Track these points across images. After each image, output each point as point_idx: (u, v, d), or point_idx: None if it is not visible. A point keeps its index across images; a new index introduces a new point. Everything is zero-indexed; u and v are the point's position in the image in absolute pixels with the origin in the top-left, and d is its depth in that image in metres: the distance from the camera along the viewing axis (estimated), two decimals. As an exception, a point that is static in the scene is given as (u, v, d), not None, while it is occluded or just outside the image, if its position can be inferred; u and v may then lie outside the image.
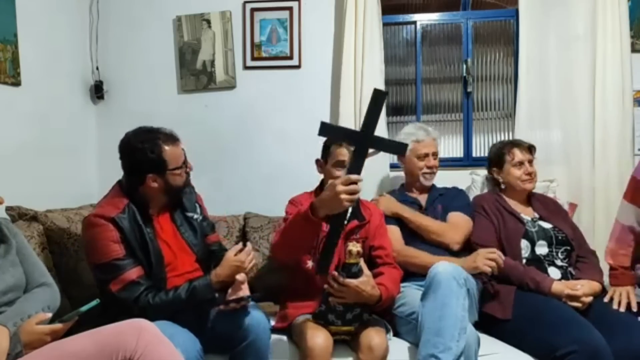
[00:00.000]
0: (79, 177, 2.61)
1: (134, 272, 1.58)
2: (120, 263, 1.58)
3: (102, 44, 2.72)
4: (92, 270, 1.67)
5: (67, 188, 2.45)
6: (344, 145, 1.95)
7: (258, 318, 1.63)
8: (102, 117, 2.78)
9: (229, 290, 1.66)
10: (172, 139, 1.69)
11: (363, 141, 1.43)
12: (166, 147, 1.66)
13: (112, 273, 1.57)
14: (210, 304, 1.67)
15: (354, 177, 1.42)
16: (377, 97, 1.39)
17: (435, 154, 2.25)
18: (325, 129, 1.46)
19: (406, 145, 1.55)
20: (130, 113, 2.75)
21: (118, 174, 2.61)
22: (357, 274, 1.66)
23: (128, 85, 2.77)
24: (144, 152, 1.64)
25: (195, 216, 1.84)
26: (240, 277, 1.66)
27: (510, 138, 2.66)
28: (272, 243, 1.81)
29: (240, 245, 1.71)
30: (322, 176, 2.06)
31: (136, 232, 1.63)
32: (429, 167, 2.22)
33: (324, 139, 2.08)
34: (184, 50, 2.73)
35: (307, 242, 1.71)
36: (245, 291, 1.68)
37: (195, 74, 2.73)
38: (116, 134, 2.73)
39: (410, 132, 2.27)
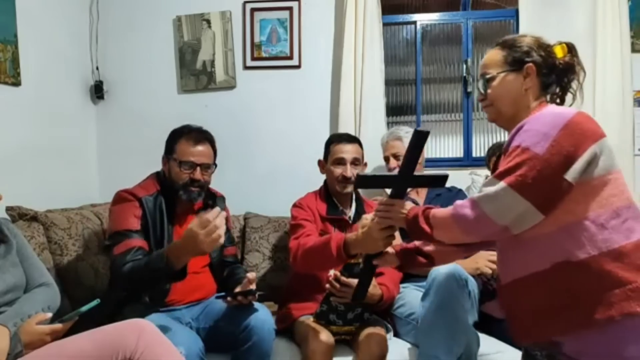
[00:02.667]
0: (79, 177, 2.61)
1: (139, 242, 1.62)
2: (131, 233, 1.63)
3: (102, 44, 2.72)
4: (107, 240, 1.75)
5: (67, 188, 2.45)
6: (343, 142, 1.96)
7: (263, 319, 1.63)
8: (102, 117, 2.78)
9: (237, 288, 1.66)
10: (194, 138, 1.76)
11: (403, 183, 1.36)
12: (182, 140, 1.75)
13: (120, 239, 1.62)
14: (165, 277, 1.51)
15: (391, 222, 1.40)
16: (419, 138, 1.26)
17: (396, 156, 2.26)
18: (363, 181, 1.45)
19: (446, 176, 1.39)
20: (130, 113, 2.76)
21: (118, 173, 2.61)
22: (359, 273, 1.66)
23: (128, 85, 2.77)
24: (170, 134, 1.81)
25: None
26: (251, 275, 1.65)
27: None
28: (293, 257, 1.77)
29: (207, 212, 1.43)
30: (324, 176, 2.06)
31: (157, 219, 1.70)
32: (393, 168, 2.24)
33: (324, 139, 2.08)
34: (184, 50, 2.73)
35: (332, 267, 1.70)
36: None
37: (195, 74, 2.73)
38: (116, 134, 2.77)
39: (385, 135, 2.37)
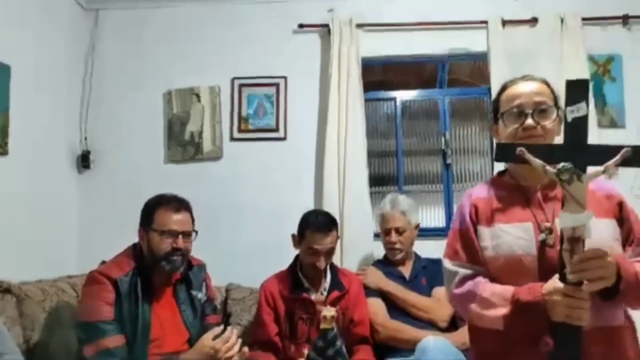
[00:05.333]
0: (58, 248, 2.55)
1: (112, 340, 1.55)
2: (104, 327, 1.56)
3: (93, 116, 2.78)
4: (76, 327, 1.66)
5: (45, 258, 2.38)
6: (320, 233, 1.91)
7: None
8: (86, 187, 2.77)
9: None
10: (174, 206, 1.73)
11: (575, 156, 1.04)
12: (160, 209, 1.71)
13: (92, 335, 1.55)
14: None
15: None
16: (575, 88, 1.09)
17: (399, 230, 2.16)
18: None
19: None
20: (114, 182, 2.77)
21: (98, 244, 2.56)
22: (334, 339, 1.62)
23: (115, 155, 2.80)
24: (145, 205, 1.77)
25: (200, 295, 1.82)
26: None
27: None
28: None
29: (220, 328, 1.62)
30: (297, 251, 2.06)
31: (132, 299, 1.63)
32: (390, 243, 2.18)
33: (308, 209, 2.10)
34: (172, 122, 2.80)
35: None
36: None
37: (183, 145, 2.79)
38: (99, 204, 2.76)
39: (382, 204, 2.29)
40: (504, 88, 1.34)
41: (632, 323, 1.20)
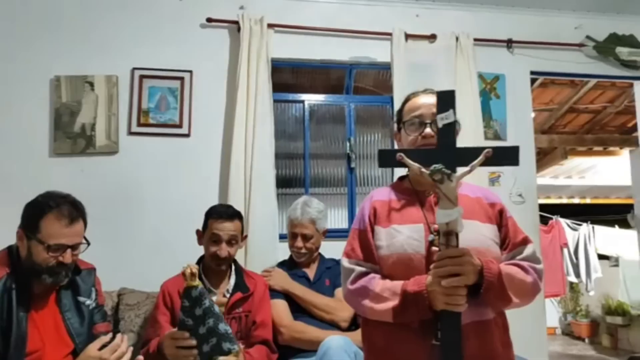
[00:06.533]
0: None
1: None
2: None
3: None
4: None
5: None
6: (221, 218, 1.90)
7: None
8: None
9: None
10: (67, 216, 1.50)
11: (447, 158, 1.17)
12: (49, 216, 1.49)
13: None
14: None
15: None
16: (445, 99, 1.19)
17: (306, 236, 2.15)
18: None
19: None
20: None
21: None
22: (200, 297, 1.56)
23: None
24: (31, 205, 1.53)
25: (88, 302, 1.63)
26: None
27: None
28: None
29: (107, 336, 1.48)
30: (202, 252, 2.00)
31: (5, 307, 1.42)
32: (296, 247, 2.18)
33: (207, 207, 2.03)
34: (60, 112, 2.54)
35: None
36: None
37: (72, 137, 2.54)
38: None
39: (293, 206, 2.26)
40: (407, 99, 1.45)
41: (503, 317, 1.32)
